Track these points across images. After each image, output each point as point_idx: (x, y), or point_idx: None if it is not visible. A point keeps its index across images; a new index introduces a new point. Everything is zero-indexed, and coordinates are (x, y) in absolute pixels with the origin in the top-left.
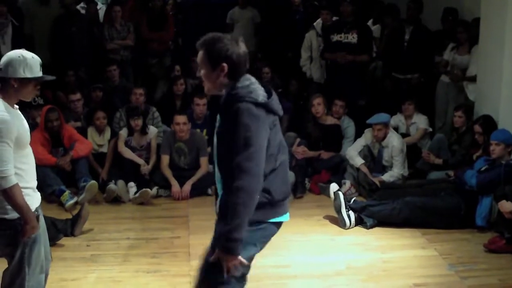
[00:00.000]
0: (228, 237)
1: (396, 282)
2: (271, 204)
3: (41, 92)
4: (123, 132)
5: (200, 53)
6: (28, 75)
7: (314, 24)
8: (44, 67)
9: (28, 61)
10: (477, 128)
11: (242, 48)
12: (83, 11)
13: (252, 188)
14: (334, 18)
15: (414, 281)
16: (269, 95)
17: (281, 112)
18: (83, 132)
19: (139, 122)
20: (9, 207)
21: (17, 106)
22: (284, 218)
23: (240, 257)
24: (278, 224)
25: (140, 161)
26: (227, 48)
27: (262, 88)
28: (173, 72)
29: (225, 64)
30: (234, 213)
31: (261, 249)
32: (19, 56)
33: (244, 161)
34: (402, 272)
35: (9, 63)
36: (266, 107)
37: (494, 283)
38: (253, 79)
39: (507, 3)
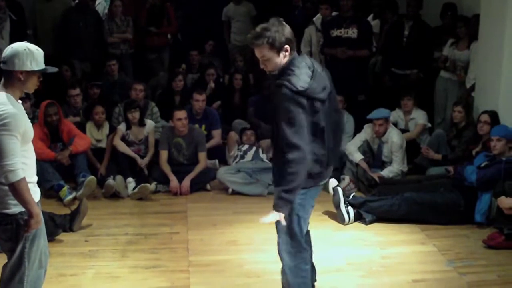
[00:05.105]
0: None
1: (395, 277)
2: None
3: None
4: (121, 127)
5: (261, 47)
6: (35, 67)
7: (314, 19)
8: (48, 61)
9: (34, 54)
10: (485, 117)
11: (287, 26)
12: None
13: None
14: (334, 13)
15: (413, 277)
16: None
17: (322, 96)
18: (81, 127)
19: (136, 114)
20: (11, 201)
21: (20, 101)
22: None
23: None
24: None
25: (134, 155)
26: (279, 32)
27: (309, 73)
28: (178, 69)
29: (287, 46)
30: (288, 179)
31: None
32: (25, 49)
33: (291, 136)
34: (401, 268)
35: (16, 56)
36: (302, 95)
37: (493, 279)
38: (302, 63)
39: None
